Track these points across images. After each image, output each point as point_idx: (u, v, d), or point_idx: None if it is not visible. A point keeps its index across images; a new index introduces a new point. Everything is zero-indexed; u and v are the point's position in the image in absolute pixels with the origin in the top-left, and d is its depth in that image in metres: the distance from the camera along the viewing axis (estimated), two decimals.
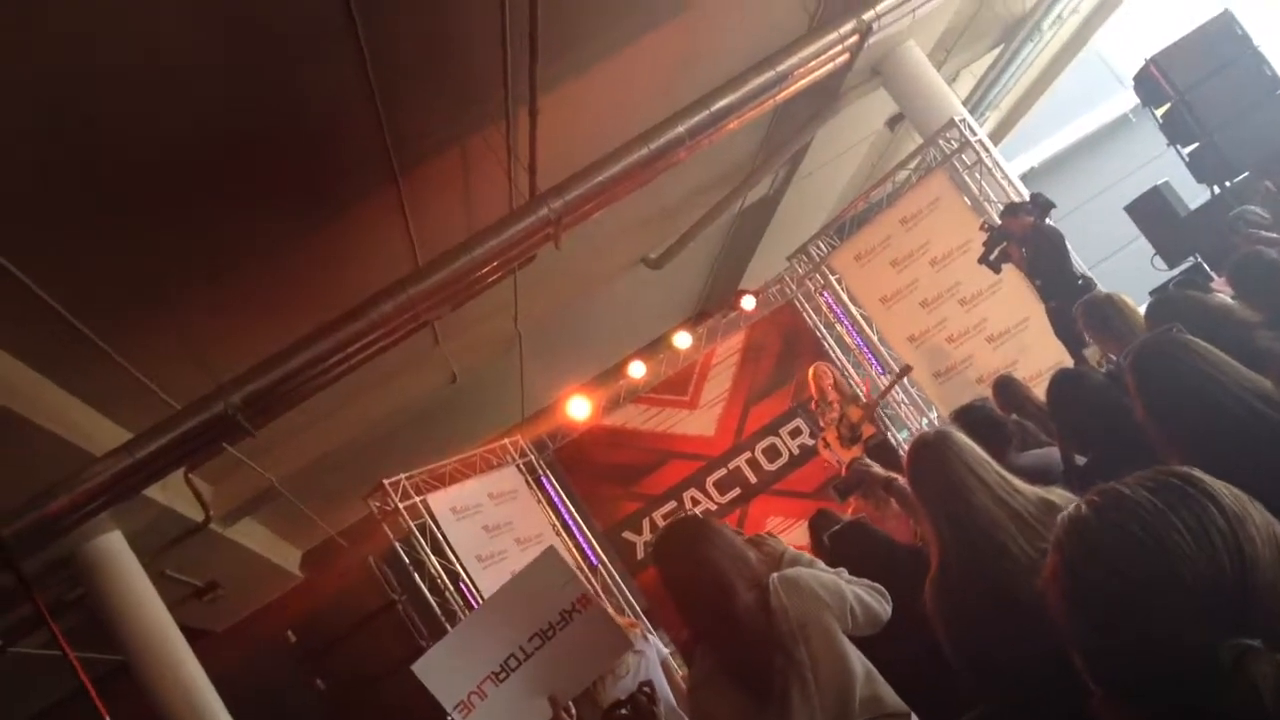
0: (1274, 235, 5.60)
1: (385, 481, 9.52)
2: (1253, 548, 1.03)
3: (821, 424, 9.77)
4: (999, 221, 8.15)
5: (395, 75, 6.15)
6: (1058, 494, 2.82)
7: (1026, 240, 7.79)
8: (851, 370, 11.40)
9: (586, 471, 11.40)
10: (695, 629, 3.08)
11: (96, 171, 5.57)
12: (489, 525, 10.00)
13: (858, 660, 2.88)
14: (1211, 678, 0.98)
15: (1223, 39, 7.99)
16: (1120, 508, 1.11)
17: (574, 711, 3.60)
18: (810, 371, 9.68)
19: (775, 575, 2.97)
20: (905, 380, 10.63)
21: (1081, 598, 1.12)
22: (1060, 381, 3.87)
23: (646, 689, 3.19)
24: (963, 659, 2.88)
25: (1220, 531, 1.04)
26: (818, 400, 9.62)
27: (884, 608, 3.04)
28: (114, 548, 8.69)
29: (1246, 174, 7.85)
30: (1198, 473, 1.11)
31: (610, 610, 4.69)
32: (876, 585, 3.10)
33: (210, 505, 9.34)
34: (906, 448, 3.28)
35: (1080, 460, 3.79)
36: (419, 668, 3.53)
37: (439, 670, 3.56)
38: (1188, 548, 1.03)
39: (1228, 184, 7.94)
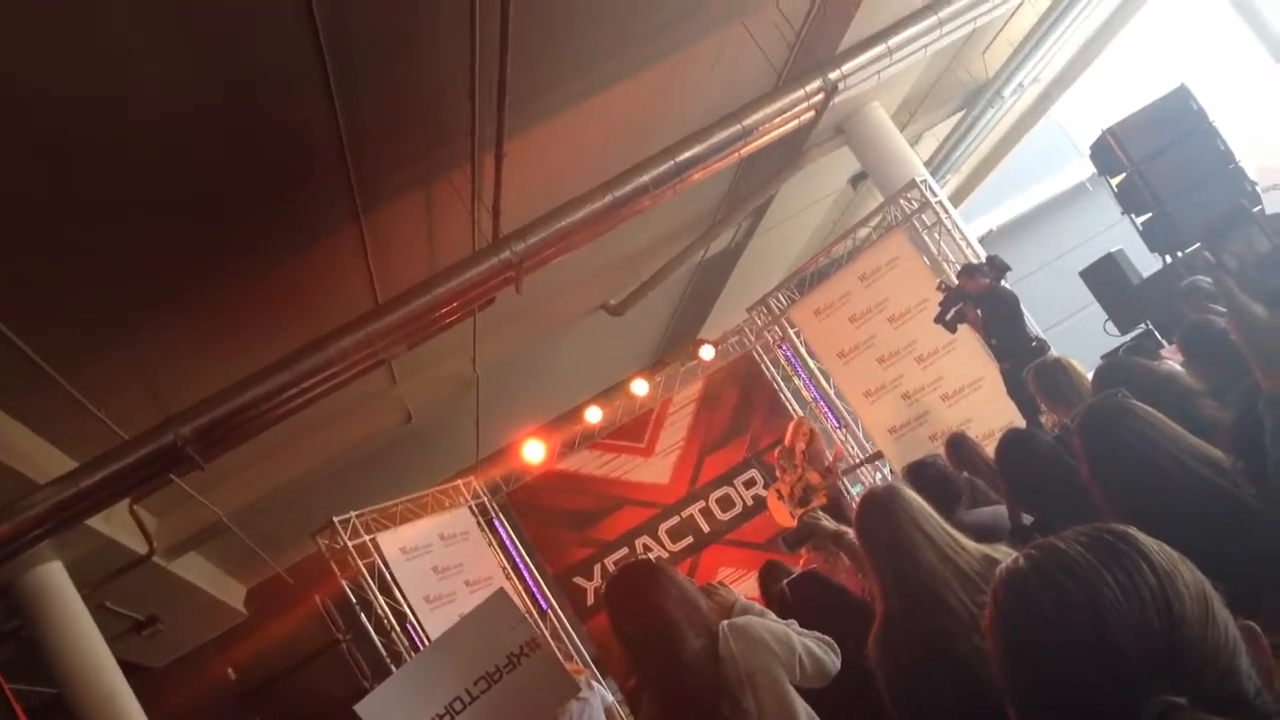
0: (1220, 308, 5.71)
1: (335, 519, 9.43)
2: (1180, 604, 1.05)
3: (778, 474, 9.78)
4: (956, 282, 8.25)
5: (363, 115, 6.18)
6: (1002, 551, 2.85)
7: (982, 301, 7.89)
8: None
9: (539, 515, 11.35)
10: (642, 674, 3.07)
11: (58, 198, 5.54)
12: (439, 566, 9.93)
13: (804, 711, 2.89)
14: None
15: (1178, 113, 8.17)
16: (1054, 561, 1.13)
17: None
18: (794, 421, 9.71)
19: (726, 623, 2.97)
20: (859, 433, 10.71)
21: (1014, 650, 1.14)
22: (1009, 441, 3.92)
23: None
24: (902, 712, 2.89)
25: (1150, 587, 1.05)
26: (783, 450, 9.63)
27: (833, 661, 3.05)
28: (53, 578, 8.53)
29: (1198, 245, 8.01)
30: (1132, 530, 1.13)
31: (558, 655, 4.66)
32: (826, 638, 3.11)
33: (154, 538, 9.20)
34: (856, 502, 3.30)
35: (1027, 519, 3.83)
36: (363, 708, 3.49)
37: (383, 711, 3.53)
38: (1117, 603, 1.05)
39: (1179, 254, 8.09)
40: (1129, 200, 8.41)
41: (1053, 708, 1.09)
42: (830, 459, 9.49)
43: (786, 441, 9.62)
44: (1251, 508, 2.14)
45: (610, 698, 4.93)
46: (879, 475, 10.62)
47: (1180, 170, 8.05)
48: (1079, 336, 10.29)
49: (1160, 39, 15.10)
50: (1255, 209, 7.03)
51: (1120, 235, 9.72)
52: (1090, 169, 11.44)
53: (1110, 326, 8.64)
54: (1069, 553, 1.12)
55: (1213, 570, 1.13)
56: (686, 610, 2.94)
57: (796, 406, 11.45)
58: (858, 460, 10.14)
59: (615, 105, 7.99)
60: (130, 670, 9.06)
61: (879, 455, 9.99)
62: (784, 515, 9.43)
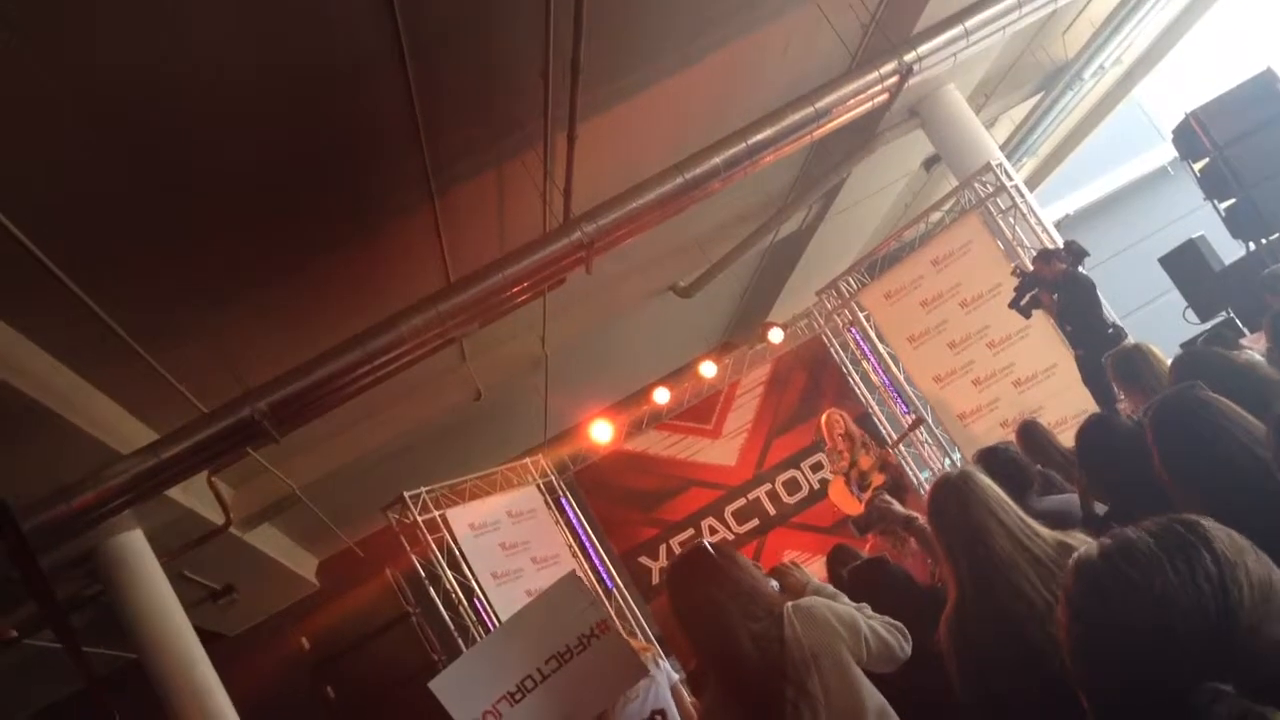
0: None
1: (405, 494, 9.57)
2: (1239, 591, 1.05)
3: (831, 470, 9.78)
4: (1031, 267, 8.14)
5: (438, 97, 6.24)
6: (1077, 538, 2.82)
7: (1058, 287, 7.78)
8: (876, 408, 11.40)
9: (606, 495, 11.43)
10: (703, 660, 3.09)
11: (143, 180, 5.69)
12: (506, 543, 10.04)
13: (870, 694, 2.87)
14: (1182, 715, 1.00)
15: (1264, 97, 8.00)
16: (1122, 550, 1.15)
17: None
18: (824, 418, 9.69)
19: (790, 605, 2.96)
20: (930, 420, 10.61)
21: (1082, 637, 1.16)
22: (1091, 426, 3.86)
23: (659, 716, 3.20)
24: (972, 697, 2.88)
25: (1208, 575, 1.06)
26: (829, 448, 9.63)
27: (901, 645, 3.03)
28: (134, 546, 8.75)
29: None
30: (1203, 520, 1.14)
31: (627, 638, 4.71)
32: (897, 623, 3.09)
33: (231, 509, 9.40)
34: (928, 488, 3.28)
35: (1100, 509, 3.79)
36: (436, 684, 3.55)
37: (455, 687, 3.58)
38: (1173, 589, 1.06)
39: (1263, 241, 7.92)
40: (1212, 185, 8.24)
41: (1115, 694, 1.11)
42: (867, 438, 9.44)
43: (825, 438, 9.62)
44: None
45: (675, 676, 4.95)
46: (947, 461, 10.53)
47: (1265, 155, 7.89)
48: (1158, 323, 10.11)
49: (1247, 20, 14.70)
50: None
51: (1202, 221, 9.52)
52: (1172, 153, 11.22)
53: (1190, 314, 8.49)
54: (1137, 543, 1.14)
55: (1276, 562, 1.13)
56: (741, 598, 2.92)
57: (865, 391, 11.38)
58: (899, 437, 10.01)
59: (688, 87, 7.97)
60: (206, 637, 9.28)
61: (919, 423, 9.90)
62: (846, 501, 9.40)
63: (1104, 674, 1.11)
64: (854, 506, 9.25)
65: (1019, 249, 9.34)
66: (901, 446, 11.05)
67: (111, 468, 6.95)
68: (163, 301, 6.80)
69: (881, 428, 11.04)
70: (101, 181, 5.56)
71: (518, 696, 3.51)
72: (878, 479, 9.00)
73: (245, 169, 6.07)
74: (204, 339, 7.43)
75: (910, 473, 11.18)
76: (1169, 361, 4.42)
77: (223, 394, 7.15)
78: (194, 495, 8.94)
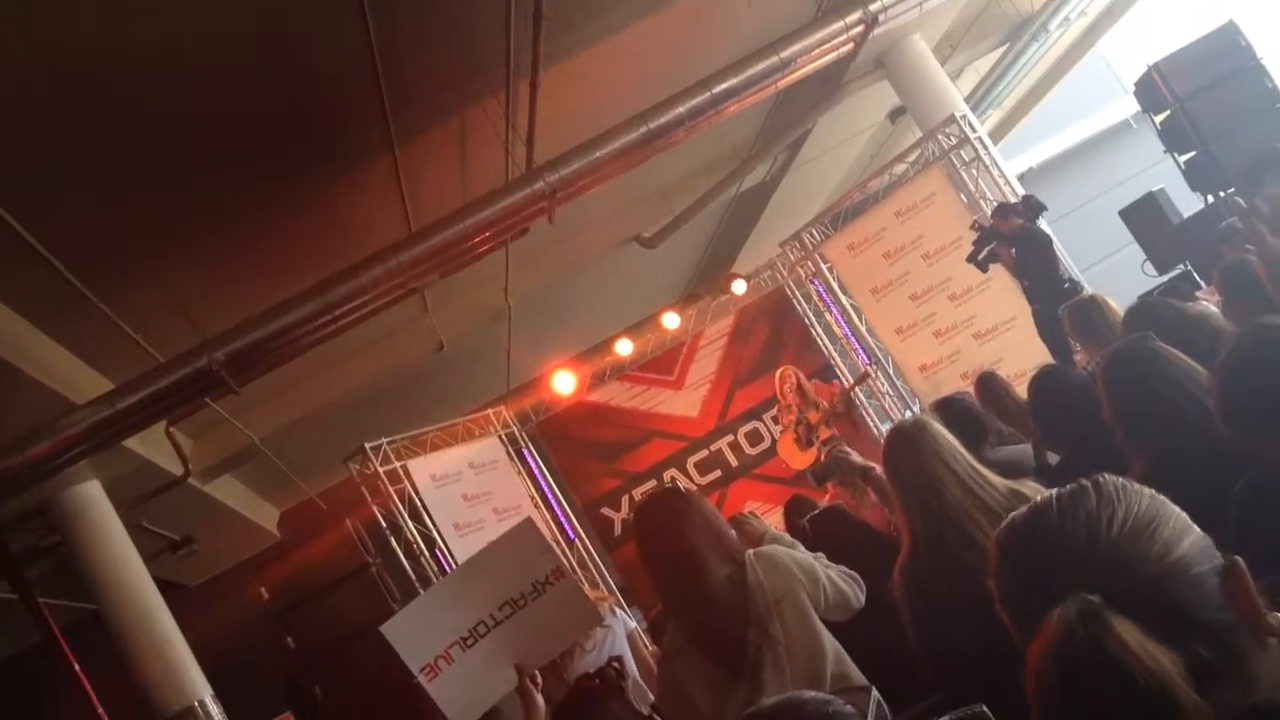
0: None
1: (366, 445, 9.53)
2: (1110, 519, 1.12)
3: (780, 425, 9.84)
4: (989, 221, 8.16)
5: (398, 44, 6.13)
6: (1030, 486, 2.86)
7: (1016, 241, 7.80)
8: (838, 360, 11.45)
9: (568, 446, 11.44)
10: (668, 602, 3.10)
11: (97, 125, 5.56)
12: (468, 494, 10.04)
13: (829, 639, 2.92)
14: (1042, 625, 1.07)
15: (1226, 49, 8.01)
16: (1039, 505, 1.20)
17: (539, 681, 3.62)
18: (777, 374, 9.74)
19: (752, 551, 3.00)
20: (890, 372, 10.68)
21: (1007, 595, 1.20)
22: (1042, 377, 3.90)
23: (616, 664, 3.22)
24: (924, 645, 2.92)
25: (1086, 510, 1.14)
26: (781, 403, 9.71)
27: (857, 595, 3.07)
28: (91, 496, 8.69)
29: None
30: (1108, 476, 1.19)
31: (583, 586, 4.72)
32: (852, 573, 3.13)
33: (190, 460, 9.34)
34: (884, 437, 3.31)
35: (1053, 459, 3.83)
36: (388, 629, 3.54)
37: (407, 632, 3.57)
38: (1050, 522, 1.15)
39: (1222, 194, 7.97)
40: (1172, 138, 8.28)
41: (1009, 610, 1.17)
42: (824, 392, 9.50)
43: (776, 393, 9.69)
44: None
45: (633, 624, 4.98)
46: (908, 413, 10.61)
47: (1226, 108, 7.91)
48: (1119, 276, 10.19)
49: None
50: None
51: (1163, 174, 9.56)
52: (1135, 106, 11.25)
53: (1149, 267, 8.55)
54: (1052, 498, 1.19)
55: (1220, 511, 1.15)
56: (712, 539, 2.97)
57: (828, 342, 11.43)
58: (845, 390, 10.11)
59: (651, 36, 7.89)
60: (166, 588, 9.25)
61: (864, 377, 10.02)
62: (793, 455, 9.48)
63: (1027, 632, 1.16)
64: (801, 460, 9.36)
65: (982, 202, 9.37)
66: (862, 397, 11.14)
67: (67, 418, 6.86)
68: (117, 249, 6.68)
69: (845, 380, 11.09)
70: (53, 129, 5.43)
71: (470, 642, 3.51)
72: (824, 433, 9.08)
73: (201, 114, 5.93)
74: (160, 288, 7.32)
75: (871, 424, 11.26)
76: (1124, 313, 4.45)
77: (180, 344, 7.07)
78: (152, 446, 8.86)
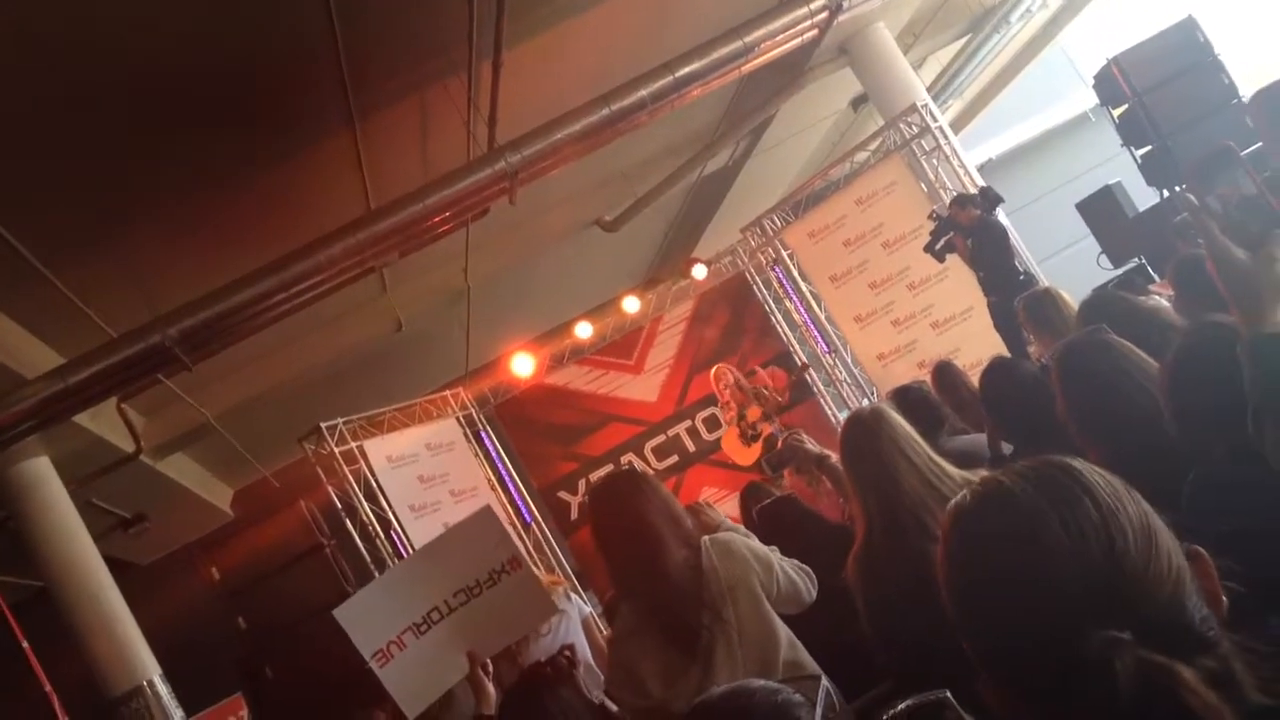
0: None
1: (322, 425, 9.46)
2: (1124, 539, 1.05)
3: (724, 421, 9.89)
4: (946, 211, 8.21)
5: (359, 19, 6.06)
6: (983, 477, 2.87)
7: (972, 233, 7.86)
8: (797, 347, 11.50)
9: (526, 429, 11.41)
10: (622, 584, 3.10)
11: (47, 94, 5.45)
12: (424, 476, 9.99)
13: (781, 626, 2.94)
14: (1078, 668, 1.00)
15: (1185, 45, 8.09)
16: (998, 497, 1.14)
17: (491, 669, 3.61)
18: (712, 372, 9.78)
19: (708, 537, 3.01)
20: (848, 360, 10.74)
21: (963, 587, 1.15)
22: (993, 369, 3.94)
23: (568, 653, 3.22)
24: (878, 632, 2.94)
25: (1092, 523, 1.06)
26: (720, 401, 9.75)
27: (808, 588, 3.09)
28: (41, 473, 8.57)
29: None
30: (1077, 463, 1.13)
31: (540, 574, 4.71)
32: (805, 567, 3.15)
33: (142, 437, 9.24)
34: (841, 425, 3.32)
35: (1007, 449, 3.86)
36: (341, 613, 3.52)
37: (361, 617, 3.55)
38: (1060, 539, 1.05)
39: (1177, 189, 8.06)
40: (1130, 132, 8.35)
41: (1000, 645, 1.10)
42: (760, 388, 9.51)
43: (715, 391, 9.73)
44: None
45: (588, 609, 4.98)
46: (866, 401, 10.67)
47: (1183, 103, 7.99)
48: (1075, 269, 10.27)
49: None
50: (1247, 150, 6.95)
51: (1121, 168, 9.65)
52: (1094, 99, 11.34)
53: (1104, 260, 8.64)
54: (1013, 489, 1.13)
55: (1171, 501, 1.14)
56: (669, 521, 2.97)
57: (787, 329, 11.47)
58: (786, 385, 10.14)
59: (615, 17, 7.86)
60: (116, 567, 9.14)
61: (805, 367, 10.09)
62: (737, 451, 9.53)
63: (987, 626, 1.11)
64: (745, 456, 9.40)
65: (942, 191, 9.42)
66: (820, 385, 11.19)
67: (16, 392, 6.75)
68: (70, 221, 6.57)
69: (763, 390, 11.13)
70: (3, 98, 5.32)
71: (423, 628, 3.50)
72: (765, 429, 9.13)
73: (155, 84, 5.83)
74: (113, 261, 7.23)
75: (829, 413, 11.32)
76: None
77: (134, 319, 6.98)
78: (103, 422, 8.75)
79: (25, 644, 7.12)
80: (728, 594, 2.86)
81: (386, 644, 3.46)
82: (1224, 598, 1.10)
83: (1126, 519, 1.07)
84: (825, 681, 2.27)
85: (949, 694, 1.32)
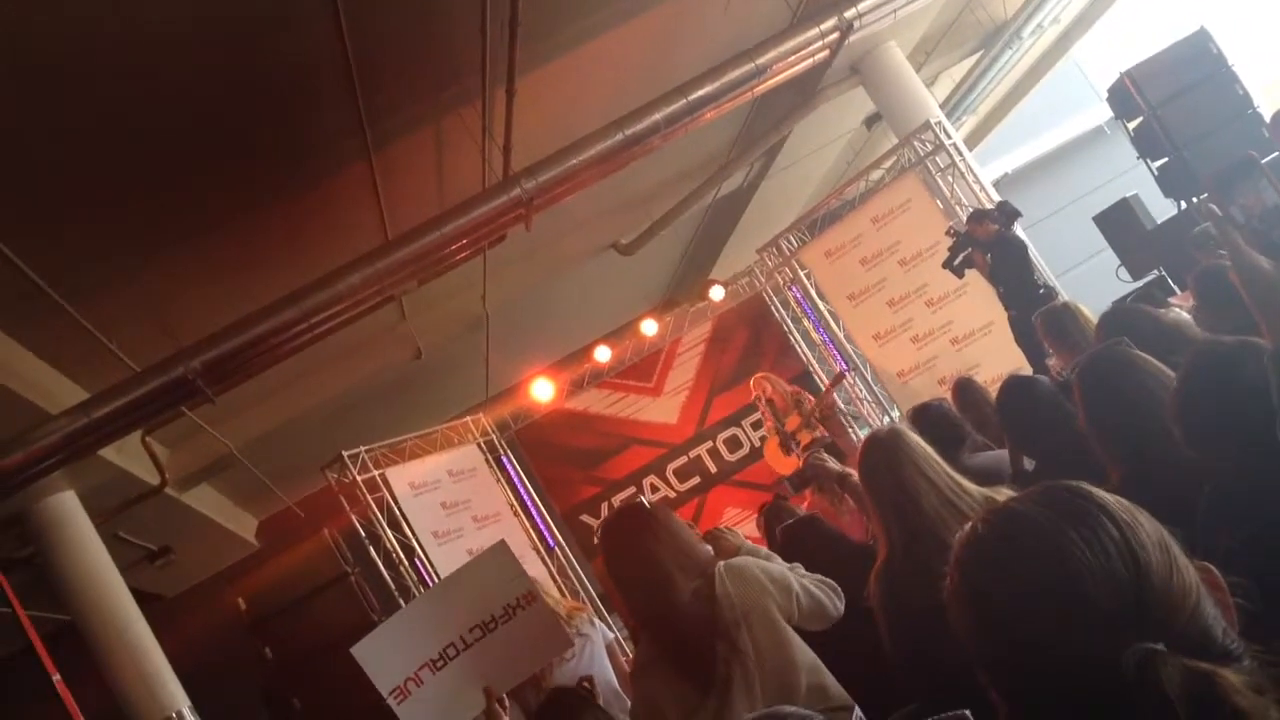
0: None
1: (344, 454, 9.50)
2: (1145, 553, 1.05)
3: (765, 431, 9.86)
4: (964, 227, 8.20)
5: (374, 49, 6.12)
6: (1004, 494, 2.86)
7: (990, 247, 7.84)
8: (816, 366, 11.48)
9: (547, 453, 11.43)
10: (637, 616, 3.11)
11: (71, 132, 5.53)
12: (447, 502, 10.01)
13: (802, 650, 2.91)
14: (1118, 686, 0.99)
15: (1197, 57, 8.08)
16: (1013, 524, 1.13)
17: (508, 704, 3.61)
18: (751, 382, 9.76)
19: (721, 563, 3.00)
20: (868, 378, 10.71)
21: (983, 615, 1.14)
22: (1010, 387, 3.93)
23: (586, 684, 3.21)
24: (901, 654, 2.93)
25: (1114, 540, 1.06)
26: (760, 410, 9.72)
27: (834, 603, 3.07)
28: (67, 507, 8.61)
29: None
30: (1085, 486, 1.13)
31: (558, 601, 4.71)
32: (829, 581, 3.13)
33: (166, 469, 9.28)
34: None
35: (1029, 465, 3.85)
36: (358, 651, 3.52)
37: (378, 654, 3.55)
38: (1084, 557, 1.05)
39: (1195, 200, 8.03)
40: (1145, 144, 8.33)
41: (1031, 670, 1.09)
42: (808, 399, 9.47)
43: (755, 401, 9.70)
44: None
45: (611, 634, 4.98)
46: (886, 419, 10.64)
47: (1197, 114, 7.97)
48: (1093, 282, 10.24)
49: None
50: (1267, 158, 6.93)
51: (1137, 180, 9.62)
52: (1108, 112, 11.34)
53: (1123, 272, 8.60)
54: (1028, 514, 1.12)
55: (1193, 516, 1.14)
56: (678, 555, 2.97)
57: (805, 348, 11.46)
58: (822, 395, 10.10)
59: (628, 42, 7.90)
60: (143, 599, 9.18)
61: (842, 376, 10.02)
62: (779, 461, 9.49)
63: (1012, 652, 1.10)
64: (787, 466, 9.35)
65: (958, 208, 9.41)
66: (840, 404, 11.16)
67: (41, 428, 6.81)
68: (91, 256, 6.63)
69: (822, 386, 11.11)
70: (25, 131, 5.39)
71: (439, 664, 3.49)
72: (805, 438, 9.09)
73: (176, 119, 5.90)
74: (135, 295, 7.28)
75: (850, 431, 11.29)
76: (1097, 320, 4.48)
77: (156, 352, 7.03)
78: (128, 455, 8.80)
79: (57, 677, 7.14)
80: (742, 620, 2.84)
81: (404, 681, 3.46)
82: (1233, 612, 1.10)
83: (1145, 534, 1.07)
84: (857, 712, 2.26)
85: (968, 714, 1.31)
